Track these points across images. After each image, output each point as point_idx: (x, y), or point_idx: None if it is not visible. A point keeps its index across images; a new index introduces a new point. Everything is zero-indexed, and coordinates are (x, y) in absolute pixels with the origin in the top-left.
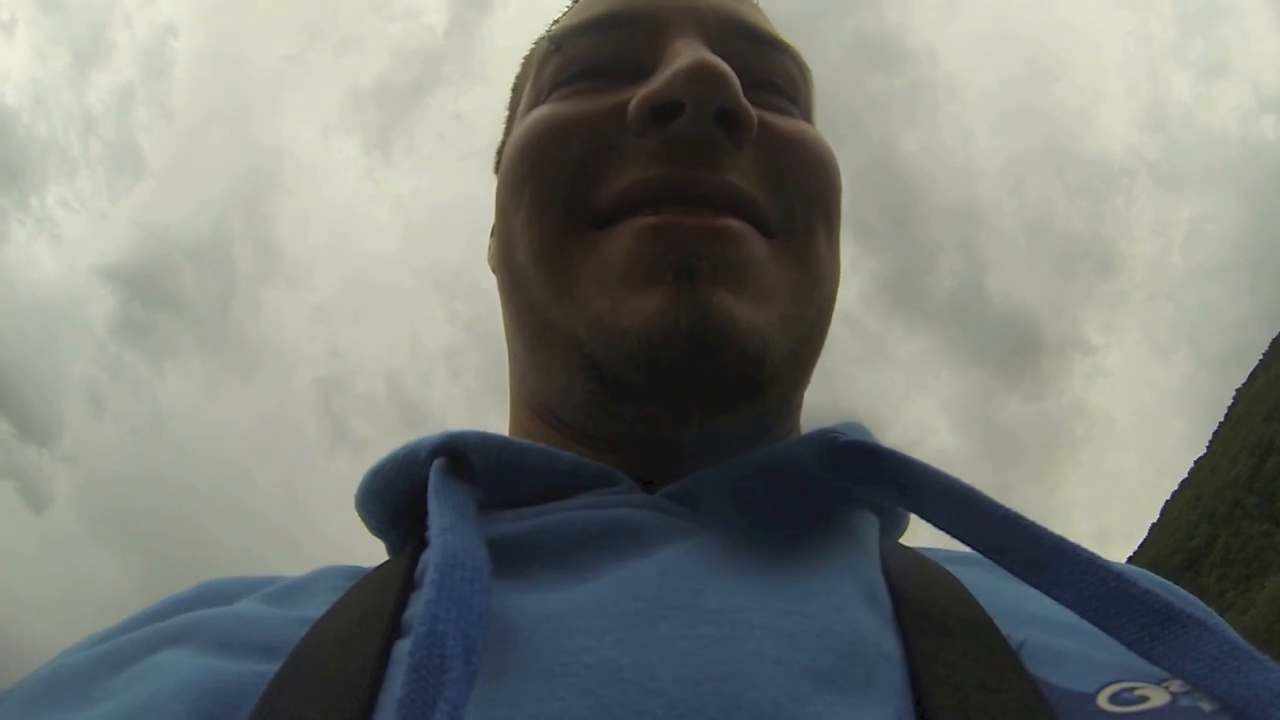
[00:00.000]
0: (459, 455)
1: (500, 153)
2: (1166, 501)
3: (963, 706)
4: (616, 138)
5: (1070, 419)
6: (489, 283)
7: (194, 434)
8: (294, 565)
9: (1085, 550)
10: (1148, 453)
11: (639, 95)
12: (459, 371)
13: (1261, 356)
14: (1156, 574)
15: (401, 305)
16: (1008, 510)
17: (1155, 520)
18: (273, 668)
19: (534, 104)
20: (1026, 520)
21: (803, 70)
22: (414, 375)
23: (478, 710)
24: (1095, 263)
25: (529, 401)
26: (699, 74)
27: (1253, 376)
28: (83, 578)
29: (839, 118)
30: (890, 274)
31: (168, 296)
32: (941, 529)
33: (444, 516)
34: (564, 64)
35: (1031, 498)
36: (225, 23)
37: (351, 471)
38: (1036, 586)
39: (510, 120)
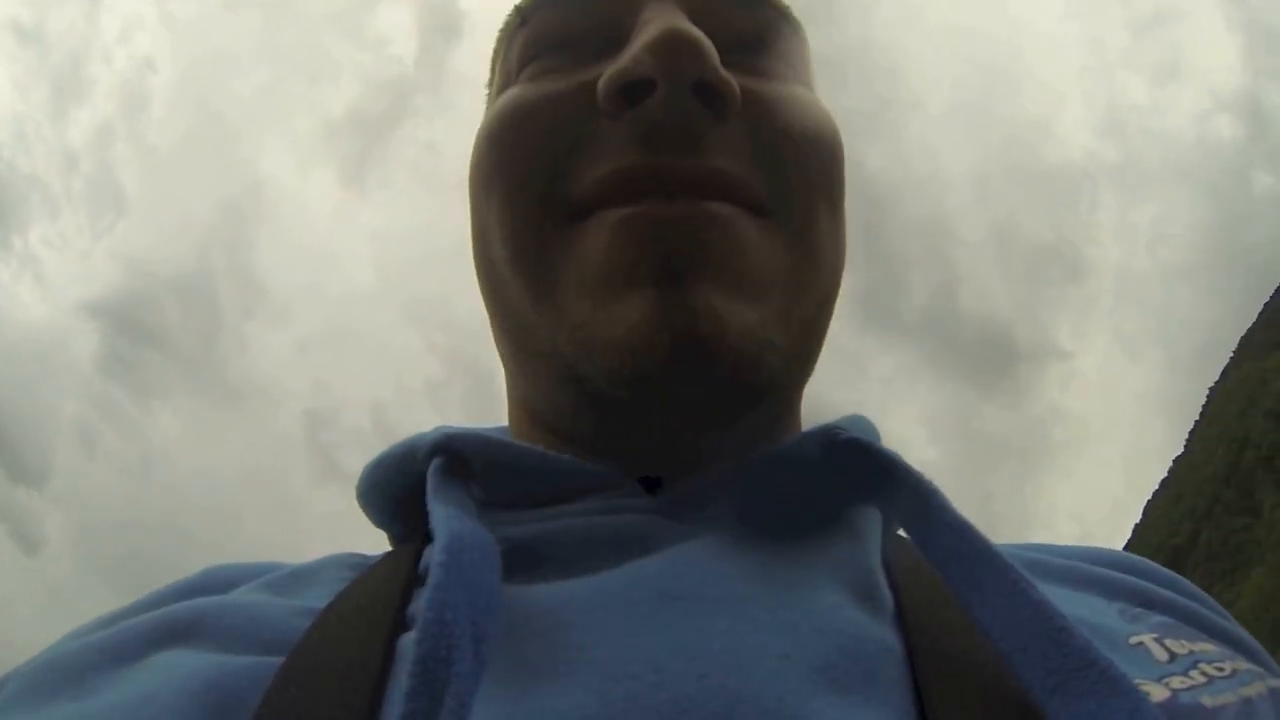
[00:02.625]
0: (457, 454)
1: None
2: (1148, 501)
3: (964, 702)
4: (588, 121)
5: (1048, 425)
6: (466, 313)
7: (184, 470)
8: None
9: (1018, 574)
10: (1127, 454)
11: (606, 74)
12: (442, 402)
13: (1232, 353)
14: None
15: (382, 337)
16: (960, 520)
17: (1138, 520)
18: (277, 660)
19: (504, 85)
20: (974, 532)
21: (795, 28)
22: (398, 407)
23: (480, 707)
24: (1064, 269)
25: (523, 403)
26: (668, 46)
27: (1225, 374)
28: (78, 617)
29: None
30: (863, 290)
31: (152, 333)
32: (904, 528)
33: (447, 509)
34: (531, 39)
35: (1014, 504)
36: (200, 55)
37: (341, 504)
38: (964, 602)
39: (490, 104)
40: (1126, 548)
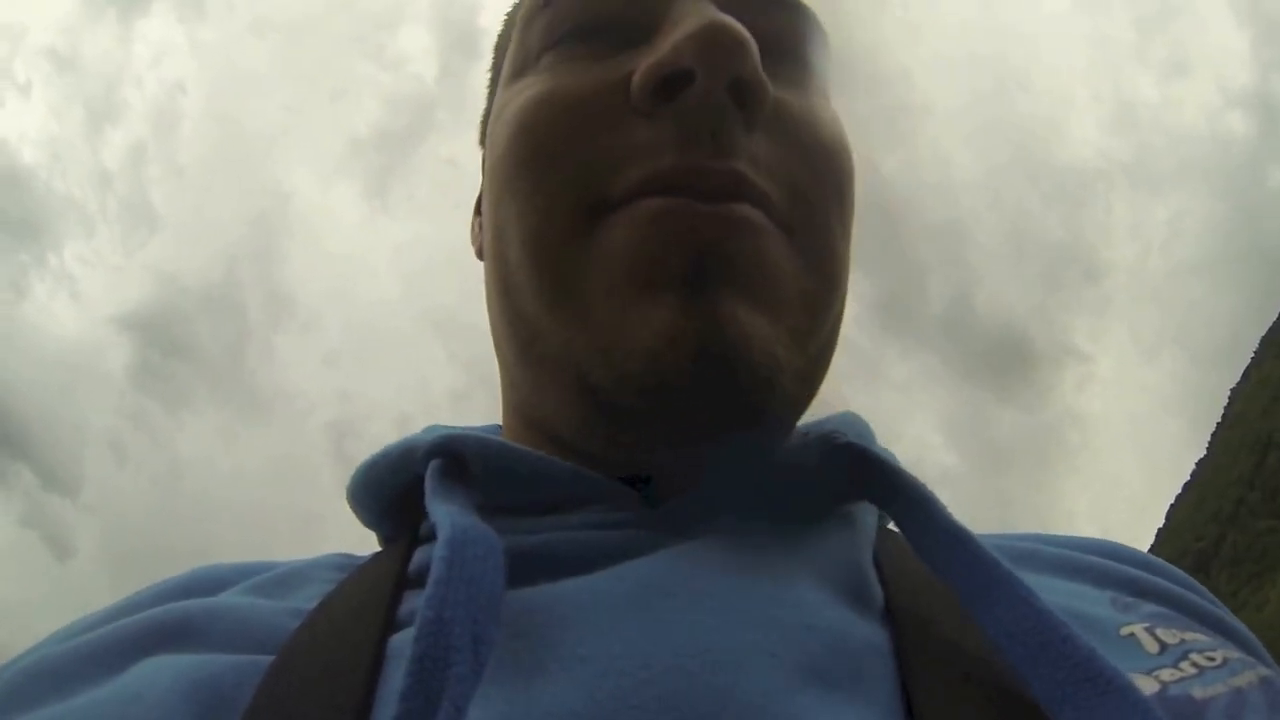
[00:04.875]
0: (456, 456)
1: (485, 123)
2: (1171, 505)
3: (952, 698)
4: (621, 118)
5: (1066, 428)
6: (489, 324)
7: (213, 480)
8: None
9: (1019, 582)
10: (1147, 456)
11: (643, 66)
12: (464, 413)
13: (1254, 354)
14: None
15: (407, 348)
16: (958, 527)
17: (1161, 525)
18: (267, 660)
19: (520, 69)
20: (972, 539)
21: (821, 33)
22: (422, 418)
23: (471, 706)
24: (1080, 269)
25: (521, 410)
26: (712, 38)
27: (1246, 374)
28: None
29: None
30: (881, 295)
31: (183, 345)
32: (905, 535)
33: (449, 506)
34: (553, 22)
35: (1033, 508)
36: (228, 78)
37: None
38: (970, 610)
39: (493, 85)
40: (1150, 552)
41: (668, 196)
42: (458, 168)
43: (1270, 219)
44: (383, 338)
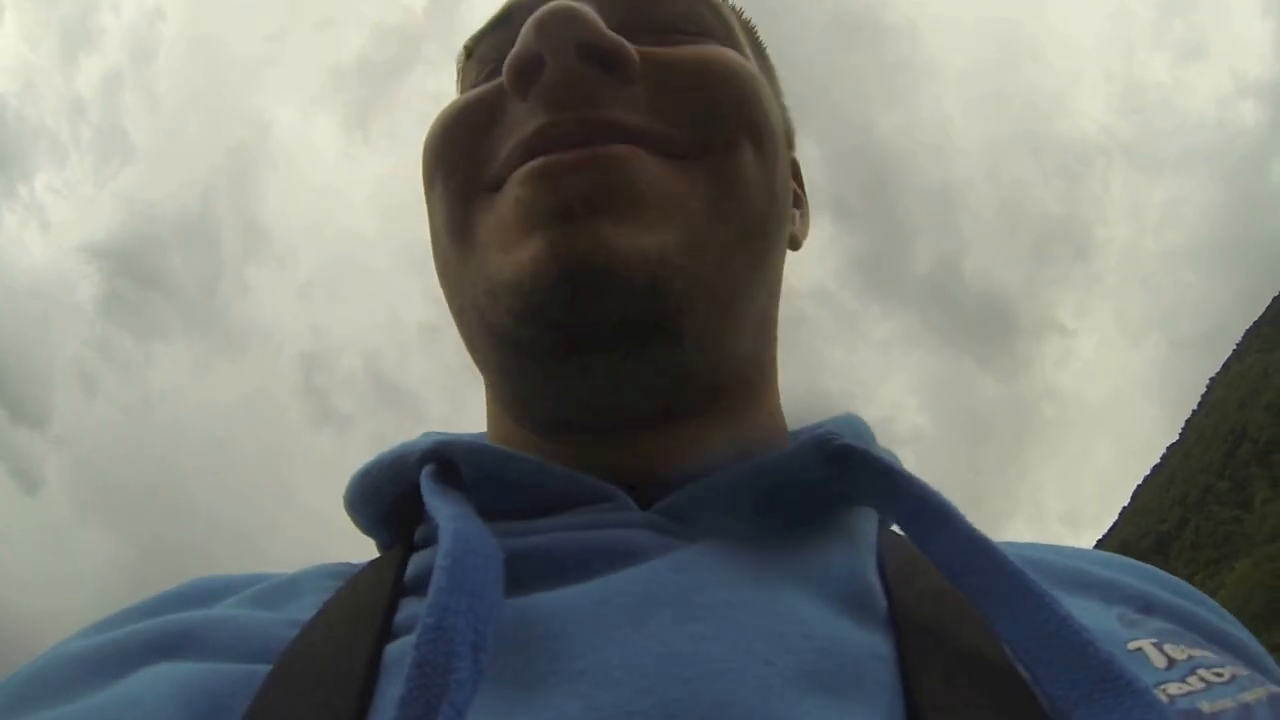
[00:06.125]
0: (448, 462)
1: None
2: (1138, 485)
3: (955, 707)
4: (501, 109)
5: (1041, 401)
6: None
7: (182, 412)
8: (281, 538)
9: (1041, 589)
10: (1119, 437)
11: (505, 62)
12: (436, 348)
13: (1236, 345)
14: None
15: (381, 283)
16: (976, 534)
17: (1126, 504)
18: (265, 669)
19: None
20: (991, 546)
21: (713, 7)
22: (392, 352)
23: (471, 717)
24: (1071, 245)
25: (499, 401)
26: (544, 19)
27: (1227, 366)
28: (76, 556)
29: (817, 95)
30: (867, 252)
31: (155, 275)
32: (913, 540)
33: (449, 508)
34: (474, 66)
35: (1002, 478)
36: (209, 4)
37: (333, 446)
38: (985, 614)
39: None
40: (1112, 530)
41: (536, 158)
42: (442, 102)
43: (1268, 212)
44: (358, 271)
